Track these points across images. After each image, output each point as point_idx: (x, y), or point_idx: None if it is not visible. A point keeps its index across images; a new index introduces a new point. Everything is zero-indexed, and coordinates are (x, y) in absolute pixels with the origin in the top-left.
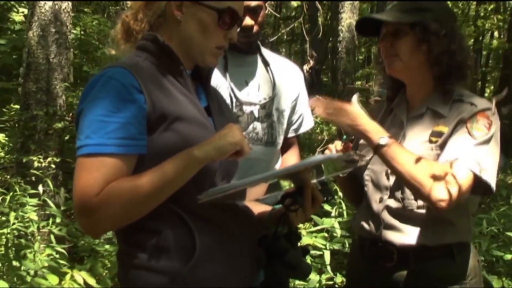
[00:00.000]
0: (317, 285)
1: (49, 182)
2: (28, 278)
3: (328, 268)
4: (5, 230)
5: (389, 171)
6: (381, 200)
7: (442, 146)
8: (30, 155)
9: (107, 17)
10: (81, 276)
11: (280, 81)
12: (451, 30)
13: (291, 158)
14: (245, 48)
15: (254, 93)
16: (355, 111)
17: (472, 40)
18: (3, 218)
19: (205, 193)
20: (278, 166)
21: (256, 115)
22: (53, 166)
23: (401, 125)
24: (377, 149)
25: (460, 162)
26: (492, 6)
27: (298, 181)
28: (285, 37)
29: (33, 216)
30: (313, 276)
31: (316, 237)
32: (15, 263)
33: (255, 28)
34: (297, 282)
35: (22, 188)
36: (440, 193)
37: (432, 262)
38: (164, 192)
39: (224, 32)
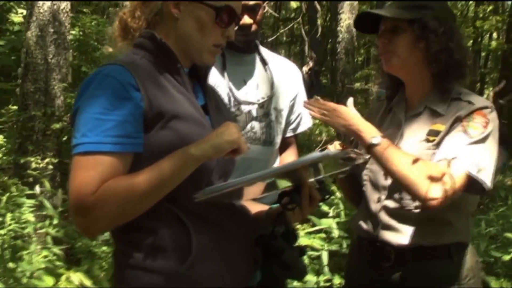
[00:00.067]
0: (315, 286)
1: (46, 183)
2: (24, 280)
3: (326, 269)
4: (1, 231)
5: None
6: (379, 200)
7: (439, 145)
8: (28, 155)
9: (106, 18)
10: (77, 277)
11: (278, 81)
12: (450, 29)
13: (289, 158)
14: (244, 47)
15: (252, 92)
16: (349, 112)
17: (471, 41)
18: (0, 219)
19: (201, 191)
20: (276, 166)
21: (254, 114)
22: (50, 167)
23: (399, 124)
24: (370, 148)
25: (454, 161)
26: (491, 7)
27: (296, 179)
28: (284, 38)
29: (30, 217)
30: (311, 277)
31: (314, 237)
32: (11, 264)
33: (253, 27)
34: (294, 283)
35: (19, 189)
36: (431, 191)
37: (430, 263)
38: (161, 190)
39: (221, 30)
